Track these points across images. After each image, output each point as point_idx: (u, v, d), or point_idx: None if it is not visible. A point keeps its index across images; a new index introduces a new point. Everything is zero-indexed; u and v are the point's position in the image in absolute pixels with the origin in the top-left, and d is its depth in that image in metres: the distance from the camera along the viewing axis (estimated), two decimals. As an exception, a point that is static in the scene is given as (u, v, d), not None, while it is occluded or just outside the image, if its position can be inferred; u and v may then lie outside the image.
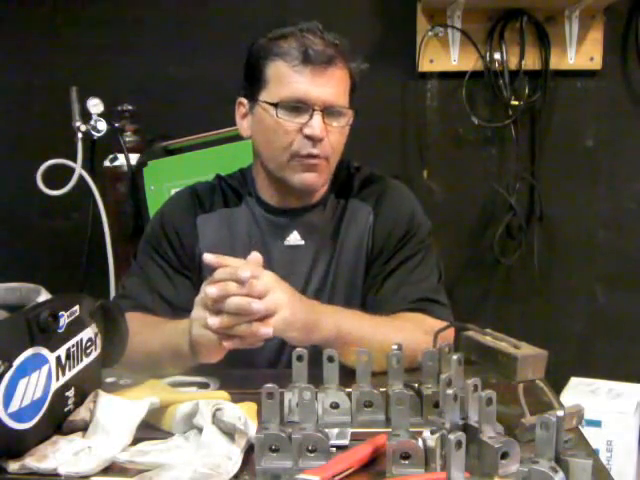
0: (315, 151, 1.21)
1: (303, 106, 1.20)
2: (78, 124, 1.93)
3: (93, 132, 1.93)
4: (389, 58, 2.20)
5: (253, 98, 1.26)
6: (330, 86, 1.21)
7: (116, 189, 1.98)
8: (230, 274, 0.99)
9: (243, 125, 1.30)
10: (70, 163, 1.97)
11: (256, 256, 1.05)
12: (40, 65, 2.23)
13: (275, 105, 1.21)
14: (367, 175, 1.37)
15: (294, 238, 1.30)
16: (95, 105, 1.91)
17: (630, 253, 2.27)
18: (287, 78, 1.21)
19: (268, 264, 1.27)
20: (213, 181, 1.39)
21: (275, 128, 1.23)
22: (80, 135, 1.94)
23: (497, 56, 2.16)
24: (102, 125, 1.93)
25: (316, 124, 1.20)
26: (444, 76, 2.21)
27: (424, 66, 2.18)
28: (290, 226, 1.30)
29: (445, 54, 2.18)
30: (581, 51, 2.17)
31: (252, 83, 1.25)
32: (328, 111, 1.21)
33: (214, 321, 0.98)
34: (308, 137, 1.20)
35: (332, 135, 1.23)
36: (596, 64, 2.18)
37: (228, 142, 1.83)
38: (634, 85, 2.21)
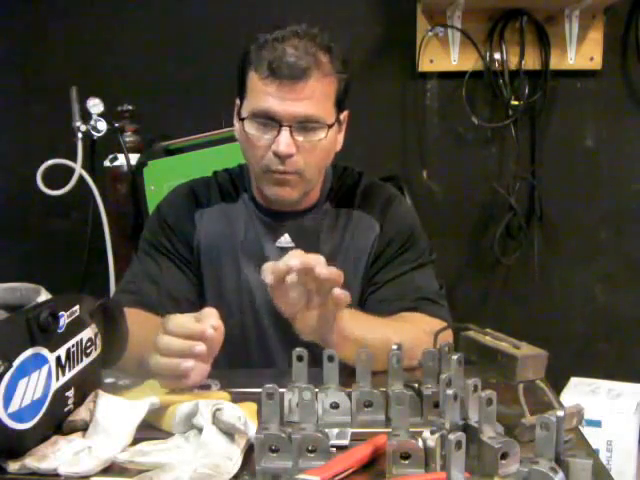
0: (282, 168, 1.19)
1: (271, 122, 1.18)
2: (78, 124, 1.93)
3: (93, 132, 1.93)
4: (389, 58, 2.21)
5: (241, 103, 1.26)
6: (301, 100, 1.16)
7: (116, 189, 1.98)
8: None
9: (236, 127, 1.30)
10: (70, 163, 1.97)
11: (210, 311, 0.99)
12: (40, 65, 2.23)
13: (242, 120, 1.21)
14: (370, 185, 1.37)
15: (285, 240, 1.30)
16: (95, 105, 1.91)
17: (630, 253, 2.27)
18: (256, 91, 1.19)
19: (262, 262, 1.28)
20: (210, 177, 1.40)
21: (247, 143, 1.22)
22: (80, 135, 1.94)
23: (497, 56, 2.16)
24: (102, 125, 1.93)
25: (282, 141, 1.17)
26: (444, 76, 2.21)
27: (424, 66, 2.18)
28: (281, 228, 1.31)
29: (445, 54, 2.18)
30: (581, 51, 2.17)
31: (240, 88, 1.25)
32: (299, 126, 1.18)
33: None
34: (275, 154, 1.18)
35: (305, 150, 1.20)
36: (596, 64, 2.19)
37: (228, 142, 1.83)
38: (634, 85, 2.22)
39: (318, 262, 0.93)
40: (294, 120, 1.17)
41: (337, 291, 0.94)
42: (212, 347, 0.95)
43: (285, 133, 1.17)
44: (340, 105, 1.25)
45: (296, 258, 0.93)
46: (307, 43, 1.18)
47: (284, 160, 1.19)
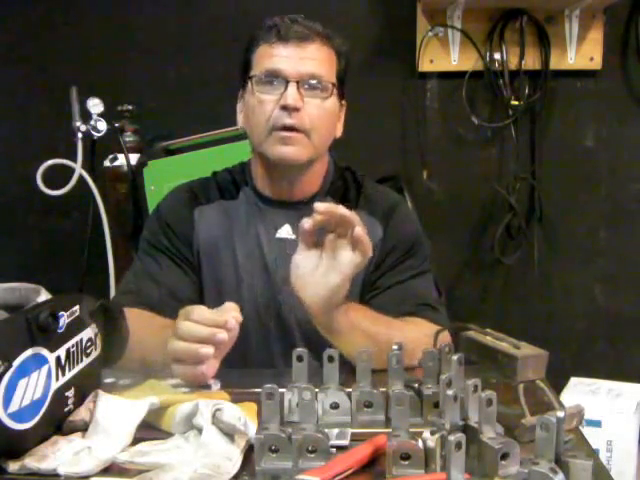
0: (290, 121, 1.22)
1: (279, 79, 1.23)
2: (78, 124, 1.93)
3: (93, 132, 1.93)
4: (389, 58, 2.21)
5: (244, 86, 1.30)
6: (306, 59, 1.24)
7: (116, 189, 1.98)
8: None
9: (240, 116, 1.33)
10: (70, 163, 1.97)
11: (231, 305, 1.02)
12: (40, 65, 2.23)
13: (251, 79, 1.26)
14: (374, 188, 1.38)
15: (285, 231, 1.31)
16: (95, 105, 1.91)
17: (630, 253, 2.27)
18: (264, 55, 1.25)
19: (260, 254, 1.29)
20: (208, 177, 1.40)
21: (254, 103, 1.26)
22: (80, 135, 1.94)
23: (497, 56, 2.16)
24: (102, 125, 1.92)
25: (290, 94, 1.22)
26: (444, 76, 2.21)
27: (424, 66, 2.18)
28: (282, 219, 1.32)
29: (445, 54, 2.18)
30: (581, 51, 2.17)
31: (244, 72, 1.30)
32: (306, 83, 1.24)
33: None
34: (283, 107, 1.22)
35: (311, 108, 1.24)
36: (596, 64, 2.19)
37: (228, 142, 1.84)
38: (634, 85, 2.22)
39: (337, 206, 1.01)
40: (300, 77, 1.23)
41: (358, 229, 1.00)
42: (227, 342, 0.97)
43: (292, 88, 1.22)
44: (341, 82, 1.30)
45: (339, 208, 1.00)
46: (309, 22, 1.28)
47: (291, 113, 1.22)
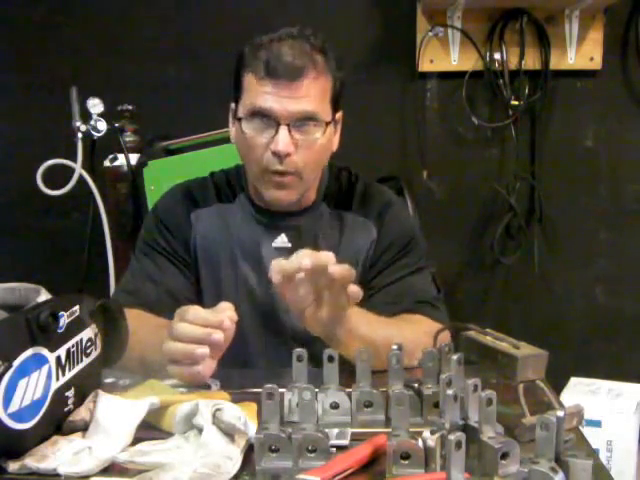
0: (282, 168, 1.19)
1: (269, 121, 1.18)
2: (78, 124, 1.93)
3: (93, 132, 1.93)
4: (389, 58, 2.21)
5: (236, 107, 1.25)
6: (298, 98, 1.17)
7: (116, 189, 1.98)
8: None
9: (232, 131, 1.30)
10: (70, 163, 1.97)
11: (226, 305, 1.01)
12: (40, 65, 2.23)
13: (239, 120, 1.21)
14: (366, 187, 1.36)
15: (281, 240, 1.30)
16: (95, 105, 1.91)
17: (630, 253, 2.27)
18: (253, 91, 1.19)
19: (259, 262, 1.29)
20: (206, 177, 1.40)
21: (245, 143, 1.22)
22: (80, 135, 1.94)
23: (497, 56, 2.16)
24: (102, 125, 1.92)
25: (281, 140, 1.17)
26: (444, 76, 2.21)
27: (424, 66, 2.18)
28: (278, 228, 1.31)
29: (445, 54, 2.18)
30: (581, 51, 2.17)
31: (235, 91, 1.25)
32: (297, 124, 1.18)
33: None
34: (274, 153, 1.19)
35: (304, 148, 1.20)
36: (596, 64, 2.19)
37: (228, 142, 1.83)
38: (634, 85, 2.22)
39: (330, 260, 0.94)
40: (292, 118, 1.18)
41: (352, 287, 0.96)
42: (223, 342, 0.96)
43: (283, 131, 1.17)
44: (336, 104, 1.25)
45: (307, 257, 0.93)
46: (302, 43, 1.19)
47: (283, 159, 1.19)
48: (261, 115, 1.19)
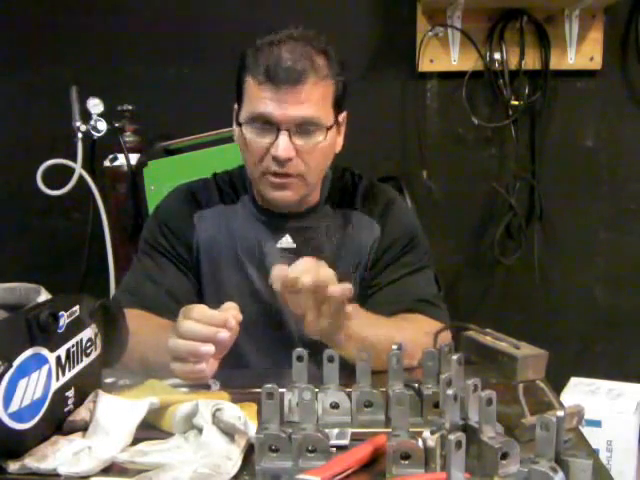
0: (282, 171, 1.19)
1: (269, 126, 1.18)
2: (78, 124, 1.93)
3: (93, 132, 1.93)
4: (389, 58, 2.21)
5: (239, 108, 1.25)
6: (299, 104, 1.16)
7: (116, 189, 1.98)
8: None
9: (235, 132, 1.29)
10: (70, 163, 1.97)
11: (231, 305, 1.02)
12: (40, 65, 2.23)
13: (240, 125, 1.21)
14: (369, 186, 1.36)
15: (286, 241, 1.30)
16: (95, 105, 1.91)
17: (630, 253, 2.27)
18: (253, 96, 1.19)
19: (263, 263, 1.29)
20: (208, 178, 1.39)
21: (246, 146, 1.22)
22: (80, 135, 1.94)
23: (497, 56, 2.16)
24: (102, 125, 1.92)
25: (281, 145, 1.17)
26: (444, 76, 2.21)
27: (424, 66, 2.18)
28: (282, 229, 1.31)
29: (445, 54, 2.18)
30: (581, 51, 2.17)
31: (238, 93, 1.25)
32: (298, 130, 1.18)
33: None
34: (275, 158, 1.18)
35: (305, 153, 1.20)
36: (596, 64, 2.18)
37: (228, 142, 1.83)
38: (634, 85, 2.21)
39: (329, 279, 0.95)
40: (292, 123, 1.17)
41: (349, 308, 0.98)
42: (227, 341, 0.97)
43: (283, 137, 1.17)
44: (338, 107, 1.25)
45: (308, 274, 0.94)
46: (303, 47, 1.18)
47: (283, 164, 1.19)
48: (261, 120, 1.18)
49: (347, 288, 0.96)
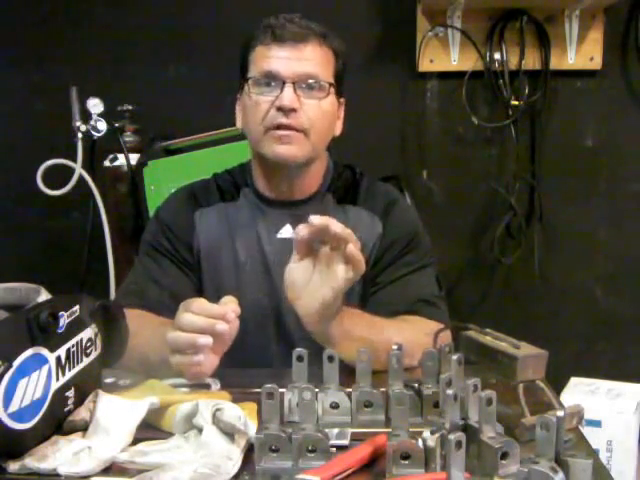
0: (286, 121, 1.22)
1: (275, 81, 1.23)
2: (78, 124, 1.93)
3: (93, 132, 1.93)
4: (389, 58, 2.20)
5: (241, 87, 1.29)
6: (303, 59, 1.23)
7: (116, 189, 1.98)
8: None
9: (238, 117, 1.33)
10: (70, 163, 1.97)
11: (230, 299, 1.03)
12: (40, 65, 2.23)
13: (247, 81, 1.25)
14: (372, 184, 1.38)
15: (286, 231, 1.31)
16: (95, 105, 1.91)
17: (630, 253, 2.27)
18: (261, 57, 1.25)
19: (261, 255, 1.29)
20: (209, 178, 1.40)
21: (251, 104, 1.25)
22: (80, 135, 1.94)
23: (497, 56, 2.15)
24: (102, 125, 1.93)
25: (286, 95, 1.21)
26: (444, 76, 2.21)
27: (424, 66, 2.18)
28: (283, 219, 1.31)
29: (445, 54, 2.18)
30: (581, 51, 2.17)
31: (241, 74, 1.29)
32: (302, 84, 1.23)
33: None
34: (279, 108, 1.22)
35: (309, 108, 1.24)
36: (596, 64, 2.18)
37: (228, 142, 1.84)
38: (634, 85, 2.21)
39: (331, 222, 0.99)
40: (297, 78, 1.22)
41: (350, 246, 0.99)
42: (227, 336, 0.98)
43: (288, 89, 1.22)
44: (338, 83, 1.29)
45: (338, 225, 0.99)
46: (306, 22, 1.27)
47: (288, 114, 1.22)
48: (268, 76, 1.23)
49: (348, 230, 0.99)
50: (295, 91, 1.22)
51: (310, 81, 1.24)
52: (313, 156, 1.29)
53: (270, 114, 1.23)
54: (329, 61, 1.28)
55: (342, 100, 1.34)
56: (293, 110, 1.21)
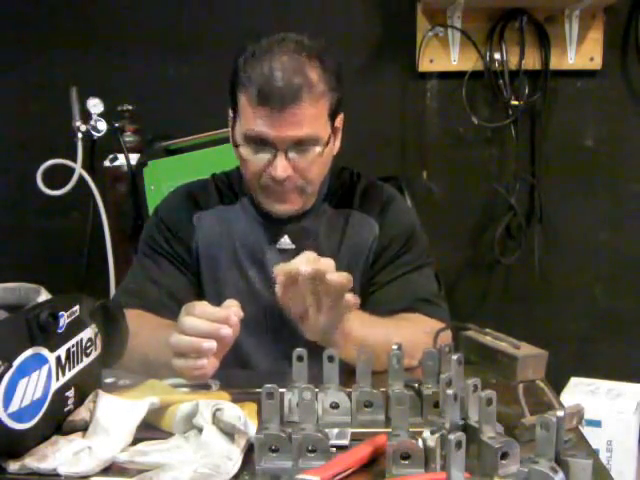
0: (281, 188, 1.20)
1: (265, 145, 1.17)
2: (78, 124, 1.93)
3: (93, 132, 1.93)
4: (389, 58, 2.21)
5: (234, 115, 1.24)
6: (294, 124, 1.15)
7: (116, 189, 1.98)
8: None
9: (231, 134, 1.28)
10: (70, 163, 1.97)
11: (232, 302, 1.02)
12: (40, 65, 2.23)
13: (237, 146, 1.21)
14: (368, 185, 1.36)
15: (285, 242, 1.30)
16: (95, 105, 1.92)
17: (630, 253, 2.27)
18: (247, 116, 1.17)
19: (263, 265, 1.29)
20: (208, 179, 1.40)
21: (243, 164, 1.23)
22: (80, 135, 1.94)
23: (497, 56, 2.16)
24: (102, 125, 1.93)
25: (279, 166, 1.17)
26: (444, 76, 2.21)
27: (424, 66, 2.18)
28: (281, 230, 1.31)
29: (445, 54, 2.18)
30: (581, 51, 2.17)
31: (232, 102, 1.23)
32: (295, 148, 1.17)
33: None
34: (272, 178, 1.19)
35: (304, 167, 1.20)
36: (596, 64, 2.18)
37: (228, 142, 1.83)
38: (634, 85, 2.21)
39: (329, 267, 0.96)
40: (288, 143, 1.17)
41: (349, 296, 0.98)
42: (229, 338, 0.97)
43: (280, 157, 1.17)
44: (334, 116, 1.24)
45: (307, 264, 0.95)
46: (296, 59, 1.15)
47: (282, 182, 1.19)
48: (258, 140, 1.18)
49: (346, 276, 0.96)
50: (287, 156, 1.17)
51: (304, 145, 1.17)
52: (312, 200, 1.29)
53: (264, 177, 1.20)
54: (323, 109, 1.19)
55: (339, 119, 1.26)
56: (286, 178, 1.18)
